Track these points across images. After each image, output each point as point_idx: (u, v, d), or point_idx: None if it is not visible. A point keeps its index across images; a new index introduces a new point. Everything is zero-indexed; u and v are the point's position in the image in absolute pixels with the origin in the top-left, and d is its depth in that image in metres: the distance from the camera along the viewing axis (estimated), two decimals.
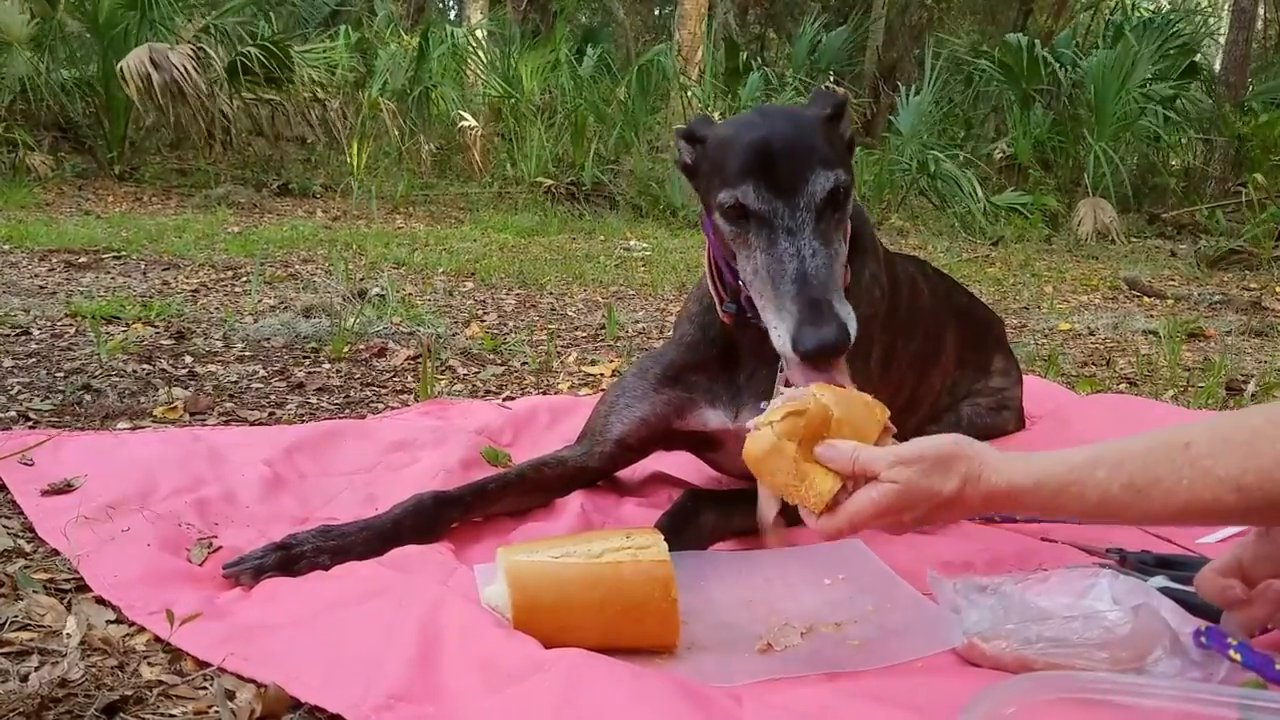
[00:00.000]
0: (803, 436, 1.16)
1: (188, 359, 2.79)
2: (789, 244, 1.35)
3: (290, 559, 1.41)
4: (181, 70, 7.44)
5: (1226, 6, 14.09)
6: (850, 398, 1.21)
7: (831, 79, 11.72)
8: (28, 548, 1.49)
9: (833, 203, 1.40)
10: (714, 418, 1.71)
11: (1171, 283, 5.72)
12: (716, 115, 9.58)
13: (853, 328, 1.29)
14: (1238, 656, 1.08)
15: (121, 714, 1.07)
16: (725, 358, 1.70)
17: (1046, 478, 1.05)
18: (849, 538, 1.18)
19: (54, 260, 4.43)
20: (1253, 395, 2.89)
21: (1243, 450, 0.95)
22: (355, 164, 8.61)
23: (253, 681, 1.14)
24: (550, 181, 8.40)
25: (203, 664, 1.18)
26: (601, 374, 2.90)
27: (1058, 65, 9.56)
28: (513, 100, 9.37)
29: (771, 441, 1.16)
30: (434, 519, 1.55)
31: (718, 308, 1.65)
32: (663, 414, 1.74)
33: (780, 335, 1.31)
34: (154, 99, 7.45)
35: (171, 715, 1.08)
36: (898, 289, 1.91)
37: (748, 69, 10.87)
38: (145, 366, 2.67)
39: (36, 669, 1.13)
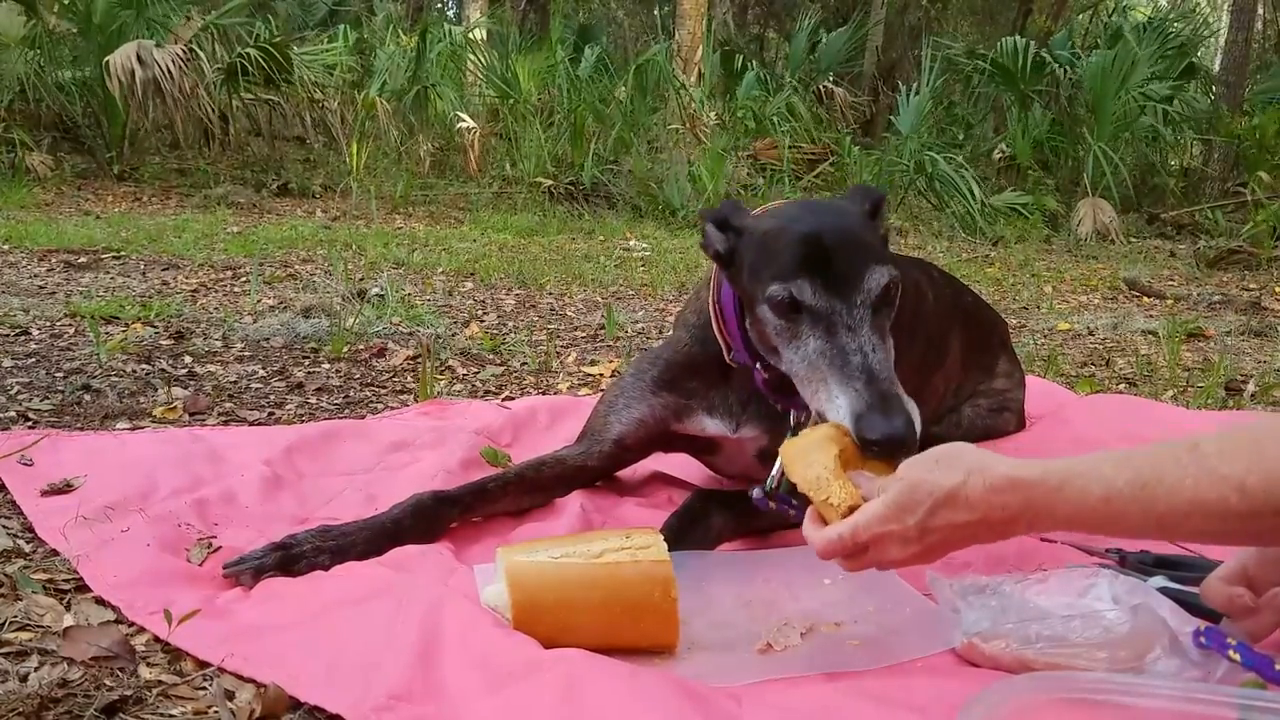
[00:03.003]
0: (840, 453, 1.20)
1: (187, 359, 2.79)
2: (850, 340, 1.32)
3: (290, 559, 1.41)
4: (164, 69, 7.43)
5: (1226, 6, 14.09)
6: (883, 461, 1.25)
7: (831, 79, 11.71)
8: (27, 548, 1.49)
9: (887, 299, 1.38)
10: (712, 425, 1.71)
11: (1171, 283, 5.72)
12: (713, 116, 9.61)
13: (918, 423, 1.26)
14: (1237, 656, 1.08)
15: (121, 714, 1.07)
16: (723, 370, 1.69)
17: (1052, 470, 1.04)
18: (850, 562, 1.15)
19: (53, 260, 4.43)
20: (1252, 395, 2.89)
21: (1249, 451, 0.95)
22: (354, 164, 8.60)
23: (253, 681, 1.14)
24: (549, 181, 8.40)
25: (202, 664, 1.18)
26: (601, 374, 2.90)
27: (1056, 66, 9.56)
28: (511, 100, 9.37)
29: (816, 438, 1.21)
30: (434, 519, 1.56)
31: (725, 355, 1.63)
32: (661, 417, 1.74)
33: (842, 410, 1.27)
34: (135, 96, 7.45)
35: (171, 715, 1.08)
36: (903, 295, 1.91)
37: (745, 69, 10.87)
38: (145, 366, 2.67)
39: (36, 669, 1.14)
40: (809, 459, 1.18)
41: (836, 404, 1.28)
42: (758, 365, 1.54)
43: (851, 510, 1.13)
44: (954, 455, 1.10)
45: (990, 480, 1.06)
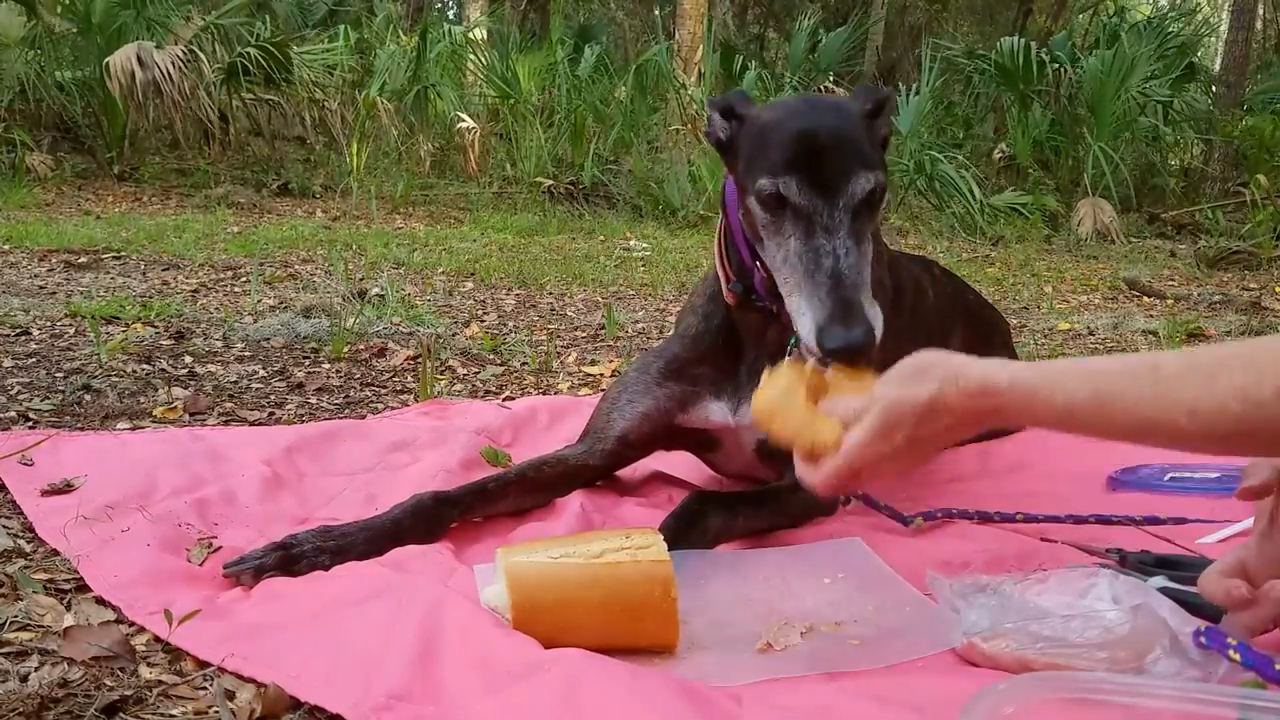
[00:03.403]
0: (806, 391, 1.21)
1: (187, 359, 2.79)
2: (825, 241, 1.38)
3: (290, 559, 1.41)
4: (163, 70, 7.43)
5: (1226, 6, 14.09)
6: (844, 368, 1.27)
7: (831, 79, 11.71)
8: (28, 548, 1.49)
9: (869, 204, 1.43)
10: (716, 410, 1.72)
11: (1171, 283, 5.72)
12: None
13: (878, 328, 1.33)
14: (1237, 656, 1.08)
15: (121, 714, 1.07)
16: (728, 348, 1.72)
17: (1021, 380, 1.07)
18: (853, 487, 1.20)
19: (54, 260, 4.43)
20: None
21: (1204, 376, 0.97)
22: (354, 164, 8.61)
23: (253, 681, 1.14)
24: (549, 181, 8.40)
25: (203, 664, 1.18)
26: (601, 374, 2.90)
27: (1056, 66, 9.56)
28: (511, 100, 9.37)
29: (781, 388, 1.21)
30: (434, 519, 1.55)
31: (723, 286, 1.67)
32: (666, 409, 1.74)
33: (806, 325, 1.34)
34: (135, 97, 7.45)
35: (171, 715, 1.08)
36: (901, 293, 1.92)
37: (744, 69, 10.87)
38: (145, 366, 2.67)
39: (36, 669, 1.14)
40: (784, 412, 1.20)
41: (802, 318, 1.35)
42: (757, 264, 1.57)
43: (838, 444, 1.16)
44: (925, 366, 1.13)
45: (964, 385, 1.09)
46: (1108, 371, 1.04)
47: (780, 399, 1.21)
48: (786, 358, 1.29)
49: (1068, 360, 1.11)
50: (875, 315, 1.34)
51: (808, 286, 1.36)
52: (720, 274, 1.68)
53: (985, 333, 2.32)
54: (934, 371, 1.11)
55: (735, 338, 1.71)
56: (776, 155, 1.43)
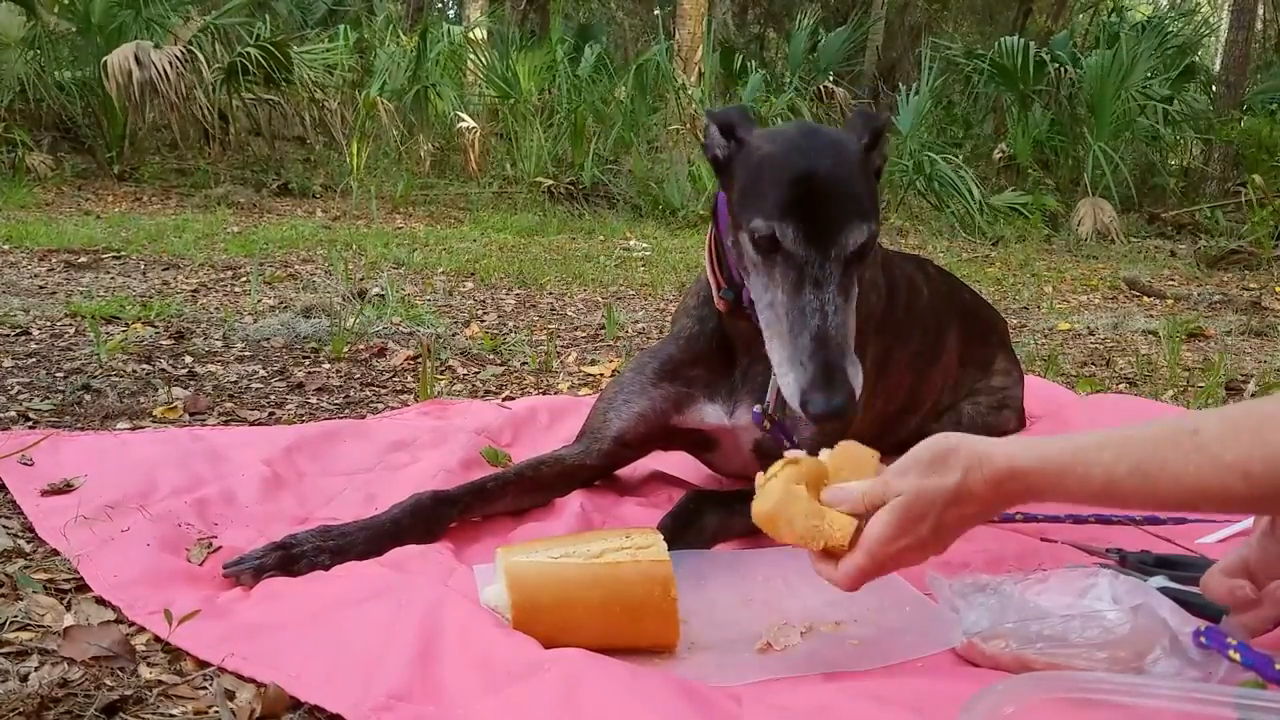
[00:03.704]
0: (806, 484, 1.16)
1: (187, 359, 2.79)
2: (813, 295, 1.37)
3: (290, 559, 1.41)
4: (160, 70, 7.43)
5: (1226, 6, 14.09)
6: (842, 446, 1.21)
7: (831, 79, 11.71)
8: (28, 548, 1.49)
9: (860, 255, 1.41)
10: (711, 413, 1.72)
11: (1171, 283, 5.72)
12: None
13: (858, 387, 1.34)
14: (1237, 656, 1.08)
15: (121, 714, 1.07)
16: (722, 351, 1.72)
17: (1051, 458, 1.03)
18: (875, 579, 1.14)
19: (54, 260, 4.43)
20: (1252, 395, 2.89)
21: (1251, 436, 0.93)
22: (354, 164, 8.61)
23: (253, 681, 1.14)
24: (549, 181, 8.40)
25: (203, 664, 1.18)
26: (601, 374, 2.90)
27: (1056, 66, 9.56)
28: (511, 100, 9.37)
29: (780, 490, 1.15)
30: (433, 519, 1.55)
31: (714, 295, 1.66)
32: (661, 409, 1.74)
33: (789, 387, 1.35)
34: (132, 97, 7.45)
35: (171, 715, 1.08)
36: (895, 291, 1.92)
37: (744, 70, 10.86)
38: (145, 366, 2.67)
39: (36, 669, 1.13)
40: (787, 516, 1.14)
41: (785, 378, 1.36)
42: (745, 284, 1.54)
43: (853, 535, 1.11)
44: (945, 453, 1.08)
45: (989, 473, 1.05)
46: (1145, 440, 1.00)
47: (780, 504, 1.14)
48: (781, 460, 1.23)
49: (1096, 433, 1.05)
50: (856, 375, 1.34)
51: (791, 346, 1.36)
52: (711, 281, 1.67)
53: (982, 331, 2.32)
54: (954, 460, 1.07)
55: (729, 341, 1.71)
56: (773, 196, 1.40)
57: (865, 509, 1.12)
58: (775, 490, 1.15)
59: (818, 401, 1.31)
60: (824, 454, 1.22)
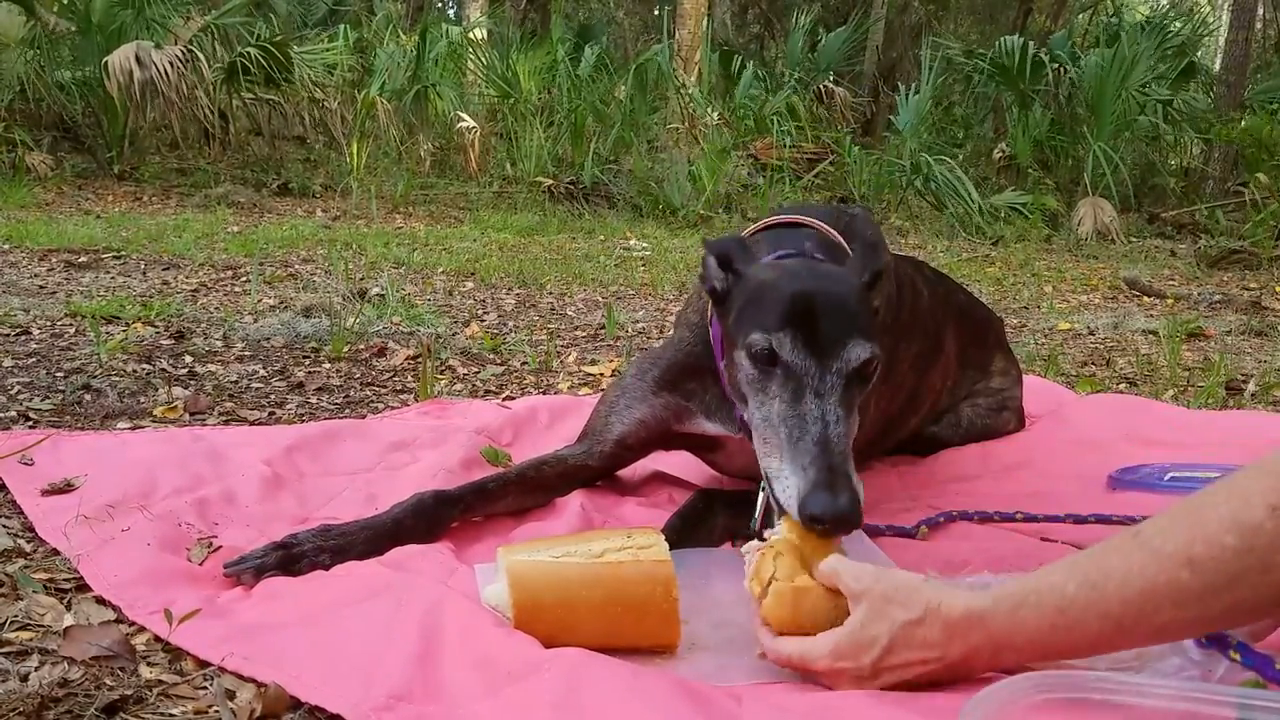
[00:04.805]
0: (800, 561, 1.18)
1: (188, 359, 2.79)
2: (814, 405, 1.31)
3: (291, 558, 1.41)
4: (161, 70, 7.44)
5: (1226, 6, 14.09)
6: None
7: (831, 78, 11.71)
8: (28, 548, 1.49)
9: (862, 375, 1.37)
10: (711, 427, 1.72)
11: (1171, 282, 5.72)
12: (715, 116, 9.62)
13: (862, 503, 1.25)
14: (1237, 656, 1.08)
15: (122, 713, 1.07)
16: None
17: (1004, 595, 1.01)
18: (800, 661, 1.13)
19: (54, 260, 4.43)
20: (1253, 395, 2.89)
21: (1188, 522, 0.92)
22: (354, 164, 8.61)
23: (253, 681, 1.14)
24: (549, 181, 8.40)
25: (203, 663, 1.18)
26: (601, 374, 2.90)
27: (1055, 66, 9.57)
28: (511, 100, 9.37)
29: (793, 586, 1.15)
30: (434, 518, 1.55)
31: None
32: (661, 418, 1.74)
33: (788, 491, 1.26)
34: (133, 97, 7.46)
35: (172, 715, 1.08)
36: (900, 291, 1.92)
37: (744, 69, 10.87)
38: (145, 366, 2.67)
39: (36, 669, 1.14)
40: (810, 610, 1.14)
41: (784, 485, 1.27)
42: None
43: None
44: (909, 590, 1.06)
45: (947, 619, 1.03)
46: (1090, 553, 0.98)
47: (800, 604, 1.14)
48: (747, 556, 1.23)
49: (1046, 566, 1.02)
50: (860, 488, 1.26)
51: (790, 452, 1.28)
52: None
53: (979, 332, 2.32)
54: (918, 598, 1.05)
55: None
56: (771, 311, 1.37)
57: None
58: (785, 592, 1.15)
59: (818, 499, 1.20)
60: (781, 526, 1.24)
